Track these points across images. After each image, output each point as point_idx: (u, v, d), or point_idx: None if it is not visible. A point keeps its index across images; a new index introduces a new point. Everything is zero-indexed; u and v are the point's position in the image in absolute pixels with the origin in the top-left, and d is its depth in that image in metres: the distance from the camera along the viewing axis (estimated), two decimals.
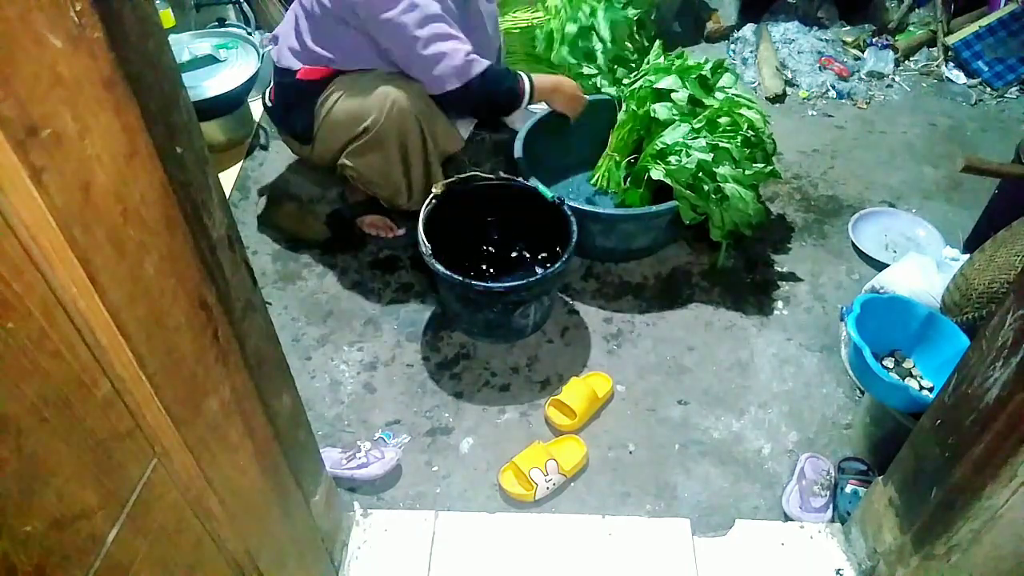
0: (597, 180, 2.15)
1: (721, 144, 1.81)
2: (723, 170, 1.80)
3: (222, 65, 2.32)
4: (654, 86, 1.95)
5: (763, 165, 1.87)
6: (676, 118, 1.90)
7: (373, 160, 1.80)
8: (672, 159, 1.83)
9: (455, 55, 1.69)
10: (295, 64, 1.79)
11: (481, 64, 1.73)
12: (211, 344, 0.76)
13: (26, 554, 0.54)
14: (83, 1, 0.52)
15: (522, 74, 1.85)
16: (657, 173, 1.84)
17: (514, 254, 1.96)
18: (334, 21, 1.71)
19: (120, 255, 0.60)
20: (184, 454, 0.74)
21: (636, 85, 2.03)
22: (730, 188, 1.79)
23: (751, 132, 1.88)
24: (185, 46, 2.36)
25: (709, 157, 1.79)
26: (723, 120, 1.87)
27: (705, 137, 1.84)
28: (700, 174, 1.80)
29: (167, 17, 2.46)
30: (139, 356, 0.64)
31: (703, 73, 1.98)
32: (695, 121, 1.88)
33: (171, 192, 0.66)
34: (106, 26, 0.54)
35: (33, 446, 0.54)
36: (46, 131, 0.51)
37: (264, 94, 1.97)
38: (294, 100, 1.83)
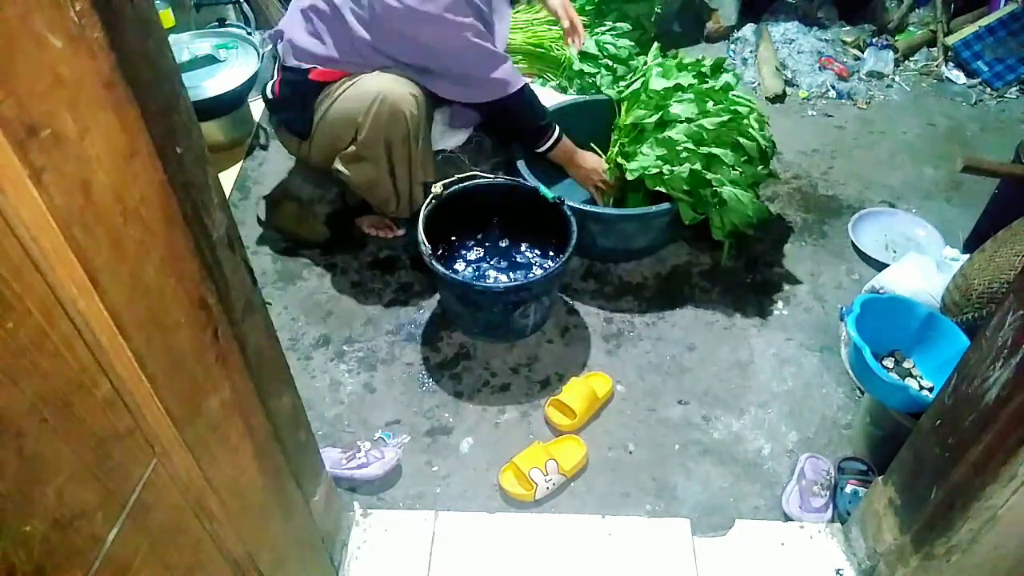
0: None
1: (714, 151, 1.80)
2: (717, 176, 1.79)
3: (222, 65, 2.32)
4: (654, 87, 1.94)
5: (760, 167, 1.86)
6: (676, 119, 1.89)
7: (364, 168, 1.80)
8: (665, 168, 1.81)
9: (507, 60, 1.68)
10: (307, 63, 1.75)
11: (523, 79, 1.71)
12: (211, 344, 0.76)
13: (26, 554, 0.54)
14: (83, 1, 0.52)
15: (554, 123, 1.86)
16: (653, 183, 1.83)
17: (515, 254, 1.96)
18: (365, 24, 1.68)
19: (120, 255, 0.60)
20: (184, 454, 0.74)
21: (635, 86, 2.02)
22: (727, 192, 1.79)
23: (750, 132, 1.87)
24: (185, 46, 2.36)
25: (699, 166, 1.78)
26: (722, 120, 1.87)
27: (700, 141, 1.83)
28: (695, 182, 1.79)
29: (167, 17, 2.46)
30: (139, 356, 0.64)
31: (702, 72, 1.98)
32: (694, 123, 1.87)
33: (171, 192, 0.66)
34: (106, 26, 0.55)
35: (33, 446, 0.54)
36: (46, 131, 0.51)
37: (266, 87, 1.90)
38: (299, 97, 1.80)
